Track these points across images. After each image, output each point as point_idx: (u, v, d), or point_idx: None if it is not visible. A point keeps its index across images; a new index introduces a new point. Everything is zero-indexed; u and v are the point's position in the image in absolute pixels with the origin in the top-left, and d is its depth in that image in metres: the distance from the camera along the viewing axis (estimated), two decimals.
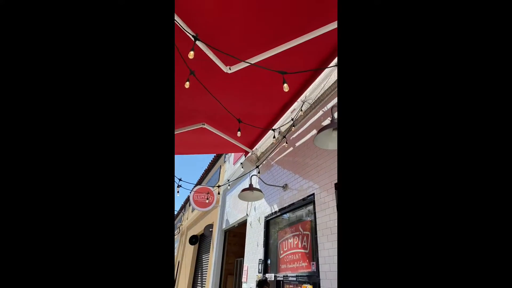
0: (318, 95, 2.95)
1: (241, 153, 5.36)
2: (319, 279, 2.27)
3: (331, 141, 1.81)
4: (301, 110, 3.07)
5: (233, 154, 6.20)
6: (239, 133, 2.34)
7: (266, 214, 3.68)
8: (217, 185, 4.47)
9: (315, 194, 2.67)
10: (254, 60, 2.10)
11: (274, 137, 3.18)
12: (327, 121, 2.77)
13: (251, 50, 2.14)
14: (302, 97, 3.09)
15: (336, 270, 2.11)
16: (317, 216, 2.54)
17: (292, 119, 3.09)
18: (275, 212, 3.44)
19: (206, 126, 3.15)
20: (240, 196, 3.02)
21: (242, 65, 2.14)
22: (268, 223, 3.65)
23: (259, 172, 3.18)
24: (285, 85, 1.67)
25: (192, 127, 3.08)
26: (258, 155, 4.36)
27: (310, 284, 2.49)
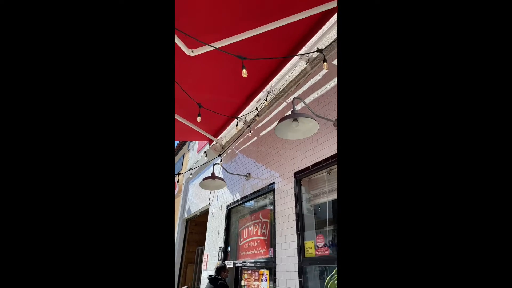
0: (283, 86, 2.99)
1: (205, 142, 5.25)
2: (275, 264, 2.36)
3: (290, 131, 1.85)
4: (266, 100, 3.09)
5: (197, 142, 6.05)
6: (199, 118, 2.28)
7: (228, 203, 3.69)
8: (178, 173, 4.34)
9: (275, 182, 2.74)
10: (219, 44, 2.04)
11: (237, 125, 3.17)
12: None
13: (216, 34, 2.07)
14: (267, 87, 3.11)
15: (290, 255, 2.21)
16: (276, 204, 2.61)
17: (257, 108, 3.10)
18: (237, 200, 3.46)
19: None
20: (202, 185, 2.98)
21: (205, 49, 2.06)
22: (230, 212, 3.67)
23: (221, 161, 3.15)
24: (244, 70, 1.66)
25: None
26: (223, 144, 4.32)
27: (267, 269, 2.58)
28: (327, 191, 2.21)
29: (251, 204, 3.29)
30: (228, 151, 4.13)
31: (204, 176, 4.98)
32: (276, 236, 2.47)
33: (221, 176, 3.92)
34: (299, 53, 2.44)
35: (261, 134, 3.31)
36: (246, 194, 3.28)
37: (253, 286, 2.71)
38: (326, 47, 2.37)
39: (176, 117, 3.17)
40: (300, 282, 2.03)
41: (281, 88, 3.02)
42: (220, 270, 2.77)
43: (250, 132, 3.12)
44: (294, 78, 2.85)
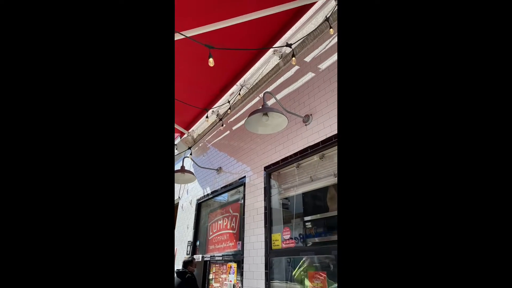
0: (256, 81, 2.99)
1: (176, 135, 5.10)
2: (243, 257, 2.38)
3: (260, 126, 1.86)
4: (239, 94, 3.07)
5: None
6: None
7: (199, 197, 3.64)
8: None
9: (246, 176, 2.75)
10: (189, 33, 1.98)
11: (207, 117, 3.12)
12: None
13: (187, 22, 2.00)
14: (241, 81, 3.09)
15: (258, 248, 2.25)
16: (246, 198, 2.63)
17: (229, 101, 3.07)
18: (208, 194, 3.43)
19: None
20: None
21: (176, 36, 1.99)
22: (200, 206, 3.62)
23: (191, 154, 3.09)
24: (211, 59, 1.64)
25: None
26: (195, 137, 4.23)
27: (235, 262, 2.60)
28: (296, 184, 2.27)
29: (223, 198, 3.27)
30: (200, 145, 4.06)
31: (174, 170, 4.86)
32: (245, 229, 2.49)
33: (192, 170, 3.85)
34: (271, 47, 2.46)
35: (234, 128, 3.29)
36: (217, 188, 3.25)
37: (220, 279, 2.72)
38: (296, 42, 2.41)
39: None
40: (266, 274, 2.08)
41: (254, 83, 3.02)
42: (187, 264, 2.74)
43: (222, 125, 3.08)
44: (268, 73, 2.87)
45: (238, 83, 3.07)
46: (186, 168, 2.96)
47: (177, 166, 4.73)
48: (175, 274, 2.64)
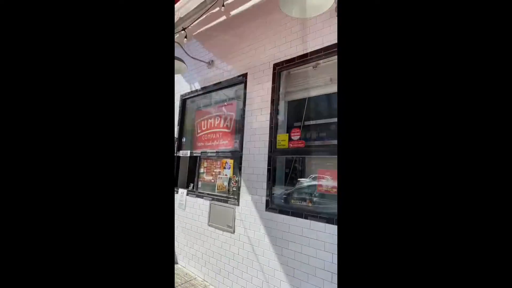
0: None
1: None
2: (241, 154, 2.39)
3: (298, 5, 1.50)
4: None
5: None
6: None
7: (183, 93, 3.31)
8: None
9: (248, 74, 2.47)
10: None
11: None
12: None
13: None
14: None
15: (260, 146, 2.24)
16: (247, 97, 2.43)
17: None
18: (196, 90, 3.11)
19: None
20: None
21: None
22: (184, 102, 3.34)
23: (186, 37, 2.57)
24: None
25: None
26: (176, 20, 3.48)
27: (231, 159, 2.63)
28: (308, 87, 2.12)
29: (215, 95, 3.01)
30: (185, 31, 3.40)
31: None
32: (245, 129, 2.40)
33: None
34: None
35: (232, 13, 2.73)
36: (207, 85, 2.94)
37: (214, 173, 2.80)
38: None
39: None
40: (268, 170, 2.14)
41: None
42: None
43: (223, 5, 2.50)
44: None
45: None
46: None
47: None
48: None
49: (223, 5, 2.48)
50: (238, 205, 2.32)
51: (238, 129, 2.58)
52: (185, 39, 2.41)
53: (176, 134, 3.32)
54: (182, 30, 2.27)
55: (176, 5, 3.24)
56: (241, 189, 2.32)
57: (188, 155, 3.09)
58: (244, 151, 2.38)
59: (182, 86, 3.36)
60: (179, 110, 3.35)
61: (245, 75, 2.49)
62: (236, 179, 2.43)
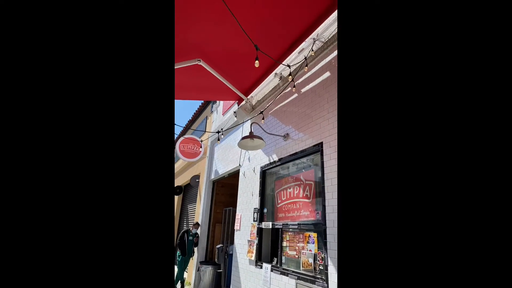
0: (333, 33, 2.58)
1: (232, 102, 4.98)
2: (325, 227, 2.23)
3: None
4: (312, 50, 2.71)
5: (221, 104, 5.79)
6: (257, 63, 1.94)
7: (263, 164, 3.54)
8: (206, 132, 4.19)
9: (323, 142, 2.50)
10: None
11: (280, 78, 2.84)
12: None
13: None
14: (313, 34, 2.70)
15: None
16: (325, 166, 2.41)
17: (305, 58, 2.72)
18: (274, 162, 3.29)
19: (202, 64, 2.71)
20: (240, 145, 2.79)
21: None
22: (264, 173, 3.53)
23: (263, 119, 2.91)
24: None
25: (186, 63, 2.63)
26: (253, 103, 4.04)
27: (314, 232, 2.47)
28: None
29: (292, 166, 3.11)
30: (261, 111, 3.87)
31: (232, 138, 4.83)
32: (326, 198, 2.30)
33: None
34: None
35: (303, 90, 2.99)
36: (284, 156, 3.08)
37: (297, 247, 2.65)
38: None
39: (211, 70, 2.87)
40: None
41: (331, 36, 2.61)
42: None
43: (294, 86, 2.80)
44: None
45: (310, 37, 2.70)
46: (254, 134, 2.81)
47: (237, 134, 4.68)
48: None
49: (294, 86, 2.77)
50: (328, 286, 2.05)
51: (319, 198, 2.49)
52: (262, 120, 2.71)
53: (257, 205, 3.44)
54: (260, 113, 2.58)
55: (254, 91, 3.80)
56: (329, 268, 2.08)
57: (270, 226, 3.08)
58: (328, 224, 2.22)
59: (262, 159, 3.62)
60: (260, 181, 3.53)
61: (320, 144, 2.53)
62: (322, 255, 2.22)
